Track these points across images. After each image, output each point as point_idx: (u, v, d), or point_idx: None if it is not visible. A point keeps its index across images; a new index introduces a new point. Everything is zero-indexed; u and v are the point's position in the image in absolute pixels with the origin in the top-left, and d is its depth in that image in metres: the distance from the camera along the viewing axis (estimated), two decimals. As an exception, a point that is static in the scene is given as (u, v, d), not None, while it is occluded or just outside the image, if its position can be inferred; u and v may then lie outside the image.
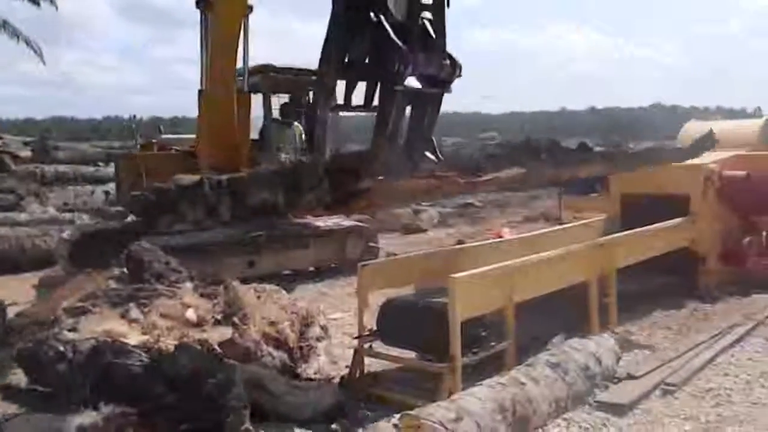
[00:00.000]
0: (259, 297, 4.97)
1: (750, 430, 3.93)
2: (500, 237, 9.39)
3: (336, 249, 9.03)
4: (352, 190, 3.82)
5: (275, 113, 9.99)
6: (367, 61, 3.99)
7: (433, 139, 4.22)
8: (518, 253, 5.54)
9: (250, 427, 3.20)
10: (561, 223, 8.64)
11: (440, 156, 4.17)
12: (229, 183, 3.96)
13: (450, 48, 4.08)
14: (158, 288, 4.77)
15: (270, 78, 9.57)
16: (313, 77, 9.55)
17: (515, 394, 3.76)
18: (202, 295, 4.78)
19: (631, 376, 4.62)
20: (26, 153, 19.72)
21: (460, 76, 4.07)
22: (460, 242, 10.25)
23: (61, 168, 18.56)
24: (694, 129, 9.10)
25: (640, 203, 7.35)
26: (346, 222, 9.16)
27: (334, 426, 3.98)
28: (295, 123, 9.92)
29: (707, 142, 7.09)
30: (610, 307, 5.66)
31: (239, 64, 8.99)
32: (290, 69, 9.70)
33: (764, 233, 7.63)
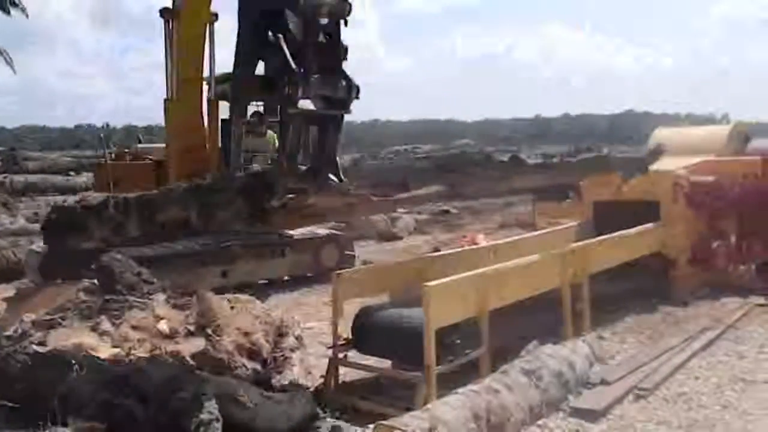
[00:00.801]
0: (232, 307, 4.92)
1: (721, 432, 3.98)
2: (475, 244, 9.44)
3: (311, 258, 8.94)
4: (266, 208, 3.79)
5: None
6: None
7: (338, 159, 4.20)
8: (493, 260, 5.57)
9: (223, 441, 3.16)
10: (535, 230, 8.70)
11: (342, 177, 4.16)
12: (136, 201, 3.90)
13: (351, 70, 4.07)
14: (129, 299, 4.70)
15: None
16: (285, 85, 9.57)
17: (489, 402, 3.77)
18: (174, 307, 4.71)
19: (604, 382, 4.66)
20: (-6, 163, 19.42)
21: (357, 98, 4.04)
22: (435, 249, 10.27)
23: (32, 178, 18.29)
24: (662, 135, 9.28)
25: (611, 209, 7.45)
26: (321, 230, 9.15)
27: (308, 437, 3.94)
28: (270, 131, 9.91)
29: (658, 151, 7.23)
30: (583, 312, 5.72)
31: (205, 72, 8.87)
32: (262, 76, 9.67)
33: (732, 237, 7.76)
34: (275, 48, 3.69)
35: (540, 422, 4.07)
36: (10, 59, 19.93)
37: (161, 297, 4.84)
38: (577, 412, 4.23)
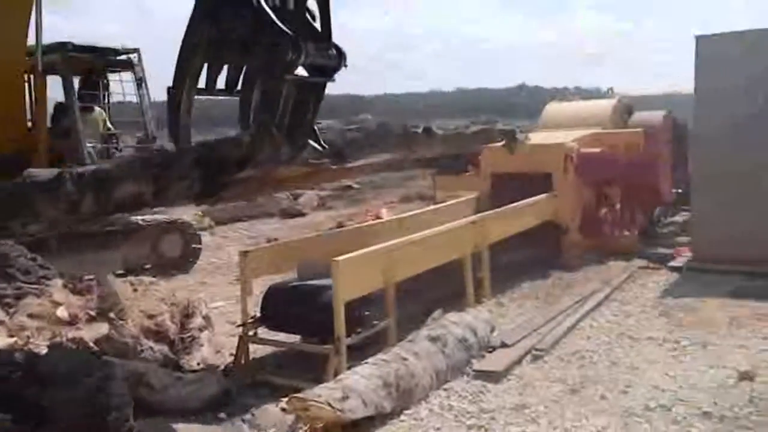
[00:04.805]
0: (135, 290, 4.81)
1: (611, 387, 4.27)
2: (379, 218, 9.58)
3: (150, 248, 8.20)
4: (225, 180, 3.61)
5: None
6: (241, 45, 3.74)
7: (316, 127, 4.06)
8: (397, 233, 5.71)
9: (134, 425, 3.12)
10: (435, 203, 8.93)
11: (324, 145, 4.04)
12: None
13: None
14: (23, 286, 4.50)
15: (70, 58, 8.13)
16: (118, 57, 8.80)
17: (398, 370, 3.91)
18: (73, 292, 4.55)
19: (504, 345, 4.91)
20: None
21: (345, 66, 3.90)
22: (340, 225, 10.33)
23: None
24: (554, 109, 9.73)
25: (508, 181, 7.77)
26: (161, 217, 8.38)
27: (221, 415, 3.96)
28: (98, 108, 8.72)
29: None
30: (483, 280, 5.98)
31: (31, 40, 7.66)
32: (94, 48, 8.53)
33: (618, 205, 8.30)
34: (255, 11, 3.35)
35: (446, 386, 4.25)
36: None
37: (58, 282, 4.65)
38: (480, 374, 4.45)
